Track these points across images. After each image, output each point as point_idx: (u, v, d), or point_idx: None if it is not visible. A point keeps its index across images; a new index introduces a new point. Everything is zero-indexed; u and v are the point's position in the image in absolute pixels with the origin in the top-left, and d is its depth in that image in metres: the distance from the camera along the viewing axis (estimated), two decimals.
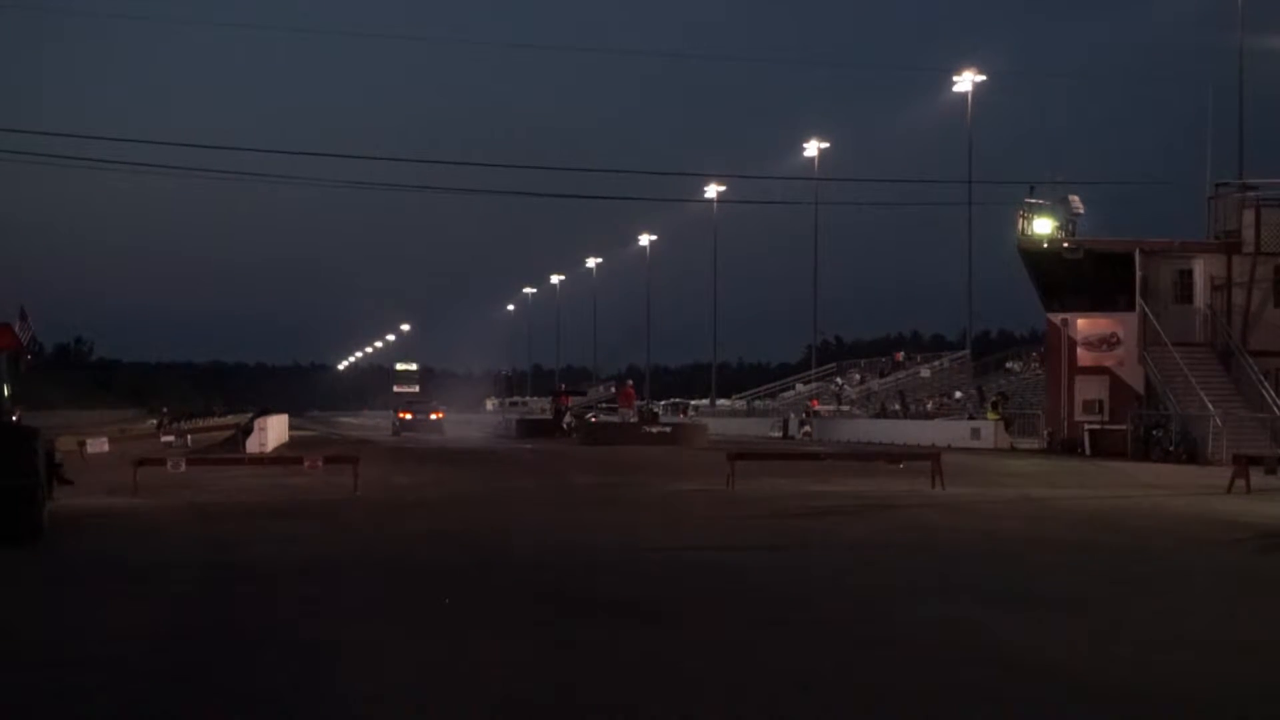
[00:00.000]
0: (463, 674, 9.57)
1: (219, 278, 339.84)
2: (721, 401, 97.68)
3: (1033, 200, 46.72)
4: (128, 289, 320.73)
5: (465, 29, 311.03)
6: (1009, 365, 72.82)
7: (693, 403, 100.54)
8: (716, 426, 69.55)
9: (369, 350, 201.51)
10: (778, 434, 67.14)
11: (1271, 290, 44.32)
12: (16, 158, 49.06)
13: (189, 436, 51.05)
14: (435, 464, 38.36)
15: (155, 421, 78.48)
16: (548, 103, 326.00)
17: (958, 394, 69.32)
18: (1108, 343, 46.13)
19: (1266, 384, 41.40)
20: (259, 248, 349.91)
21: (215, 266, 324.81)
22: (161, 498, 24.22)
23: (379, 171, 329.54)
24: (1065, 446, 44.97)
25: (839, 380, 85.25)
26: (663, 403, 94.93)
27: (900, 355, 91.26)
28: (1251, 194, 44.80)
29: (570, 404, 73.54)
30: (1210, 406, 39.95)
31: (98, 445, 34.19)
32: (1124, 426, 42.87)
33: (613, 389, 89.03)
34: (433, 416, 77.49)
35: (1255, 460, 28.24)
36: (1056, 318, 47.11)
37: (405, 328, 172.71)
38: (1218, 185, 46.39)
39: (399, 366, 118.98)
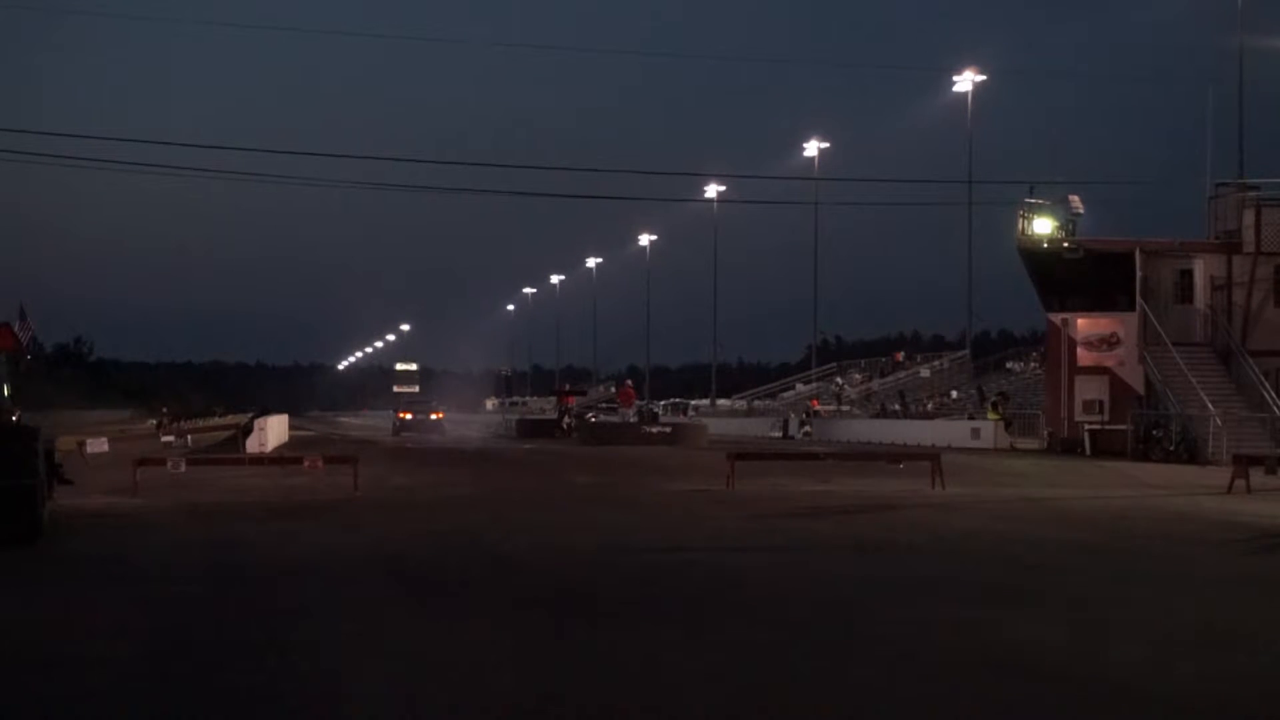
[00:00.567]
0: (461, 674, 9.57)
1: (219, 277, 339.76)
2: (721, 401, 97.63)
3: (1033, 200, 46.71)
4: (128, 289, 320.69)
5: (466, 29, 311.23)
6: (1009, 365, 72.81)
7: (693, 403, 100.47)
8: (716, 426, 69.52)
9: (369, 350, 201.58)
10: (778, 434, 67.11)
11: (1271, 290, 44.28)
12: (16, 157, 48.92)
13: (189, 436, 50.99)
14: (435, 464, 38.38)
15: (155, 421, 78.36)
16: (548, 102, 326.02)
17: (954, 394, 69.28)
18: (1108, 343, 46.13)
19: (1266, 384, 41.38)
20: (259, 247, 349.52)
21: (215, 266, 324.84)
22: (161, 498, 24.23)
23: (379, 171, 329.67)
24: (1065, 446, 44.96)
25: (839, 380, 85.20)
26: (663, 403, 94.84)
27: (900, 355, 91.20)
28: (1251, 194, 44.74)
29: (573, 404, 73.53)
30: (1210, 406, 39.95)
31: (98, 445, 34.16)
32: (1124, 426, 42.85)
33: (613, 389, 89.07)
34: (433, 416, 77.41)
35: (1255, 460, 28.24)
36: (1056, 318, 47.10)
37: (405, 328, 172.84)
38: (1218, 185, 46.35)
39: (399, 366, 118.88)
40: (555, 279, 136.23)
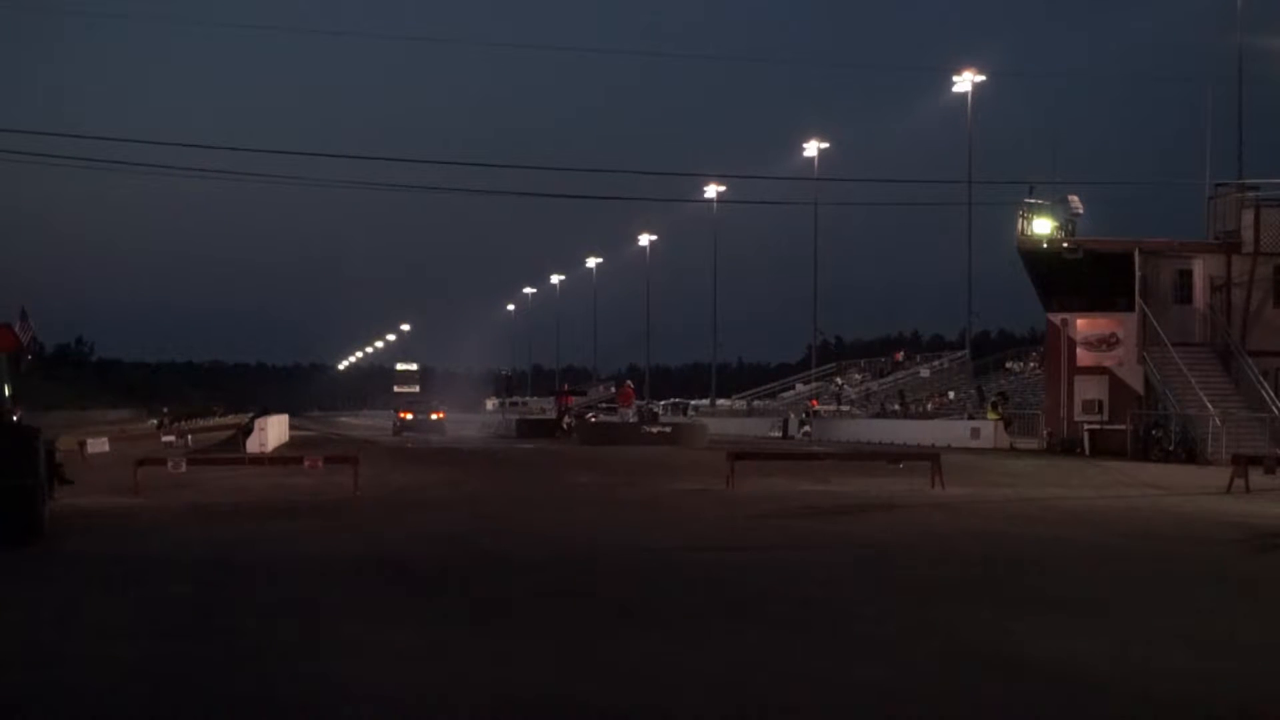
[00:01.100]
0: (461, 673, 9.58)
1: (219, 277, 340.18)
2: (721, 401, 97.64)
3: (1032, 200, 46.67)
4: (128, 289, 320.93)
5: (466, 29, 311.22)
6: (1009, 365, 72.79)
7: (693, 403, 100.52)
8: (716, 426, 69.52)
9: (369, 350, 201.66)
10: (778, 434, 67.10)
11: (1271, 290, 44.27)
12: (16, 158, 48.92)
13: (189, 436, 51.07)
14: (435, 464, 38.38)
15: (155, 421, 78.54)
16: (548, 102, 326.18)
17: (951, 394, 69.25)
18: (1107, 343, 46.09)
19: (1266, 384, 41.37)
20: (259, 247, 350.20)
21: (215, 266, 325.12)
22: (162, 498, 24.24)
23: (379, 171, 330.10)
24: (1065, 446, 44.93)
25: (839, 380, 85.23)
26: (663, 403, 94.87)
27: (900, 355, 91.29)
28: (1251, 194, 44.73)
29: (573, 404, 73.52)
30: (1210, 406, 39.94)
31: (98, 445, 34.26)
32: (1123, 426, 42.84)
33: (613, 389, 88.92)
34: (433, 416, 77.44)
35: (1254, 460, 28.24)
36: (1056, 318, 47.07)
37: (405, 328, 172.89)
38: (1217, 185, 46.36)
39: (399, 366, 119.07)
40: (555, 279, 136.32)
